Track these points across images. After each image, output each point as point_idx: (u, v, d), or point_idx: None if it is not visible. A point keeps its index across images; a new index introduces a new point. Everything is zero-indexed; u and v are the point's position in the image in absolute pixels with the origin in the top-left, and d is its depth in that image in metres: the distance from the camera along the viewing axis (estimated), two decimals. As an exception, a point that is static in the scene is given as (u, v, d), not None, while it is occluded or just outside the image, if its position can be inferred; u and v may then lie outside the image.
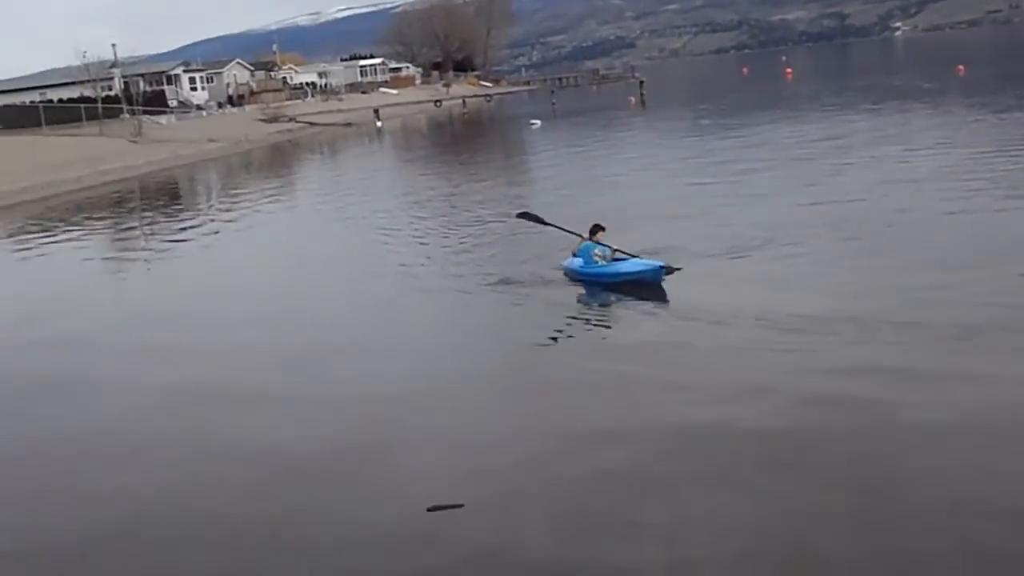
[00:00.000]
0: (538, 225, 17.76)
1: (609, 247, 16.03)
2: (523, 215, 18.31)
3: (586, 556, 7.47)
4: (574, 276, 16.19)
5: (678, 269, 15.30)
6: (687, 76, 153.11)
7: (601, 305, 15.13)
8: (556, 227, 17.15)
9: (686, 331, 12.82)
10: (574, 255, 16.27)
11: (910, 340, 11.34)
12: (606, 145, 44.50)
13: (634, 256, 15.75)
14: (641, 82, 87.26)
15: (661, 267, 15.04)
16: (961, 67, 67.71)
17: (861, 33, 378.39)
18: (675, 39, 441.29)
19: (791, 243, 17.15)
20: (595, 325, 14.52)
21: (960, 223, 17.76)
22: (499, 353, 13.12)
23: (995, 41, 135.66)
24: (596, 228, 16.41)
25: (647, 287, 14.82)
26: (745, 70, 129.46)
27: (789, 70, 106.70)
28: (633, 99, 77.29)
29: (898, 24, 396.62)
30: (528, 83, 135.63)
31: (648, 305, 14.31)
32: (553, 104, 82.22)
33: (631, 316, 14.30)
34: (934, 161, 25.78)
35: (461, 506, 8.39)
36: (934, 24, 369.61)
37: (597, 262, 15.91)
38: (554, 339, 13.44)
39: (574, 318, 14.66)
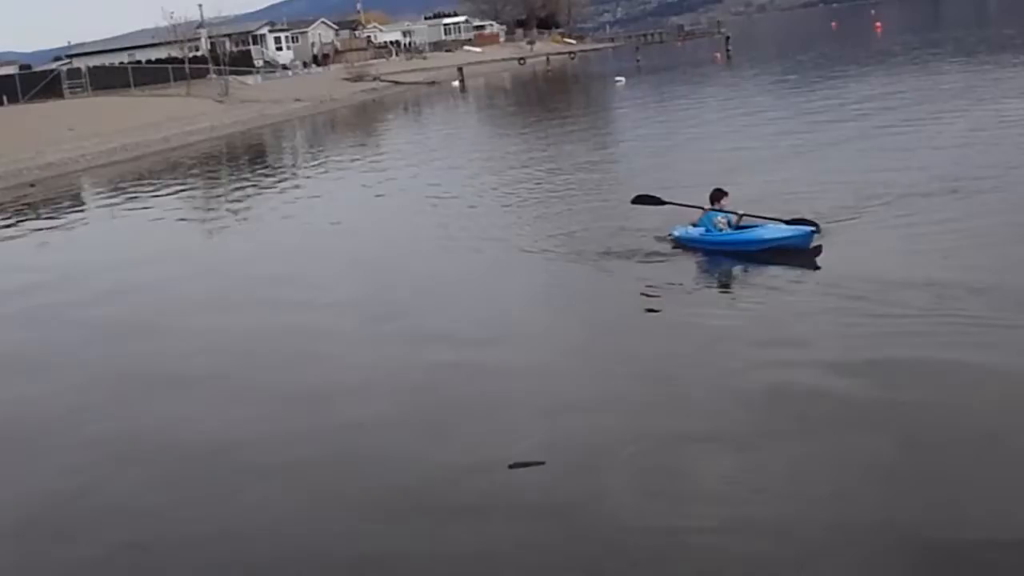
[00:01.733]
0: (653, 206, 15.93)
1: (735, 213, 14.65)
2: (639, 199, 16.10)
3: (665, 515, 7.42)
4: (694, 244, 14.73)
5: (815, 228, 13.69)
6: (774, 31, 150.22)
7: (726, 273, 13.96)
8: (675, 204, 15.39)
9: (822, 298, 12.00)
10: (694, 226, 14.87)
11: None
12: (691, 102, 43.90)
13: (768, 220, 14.27)
14: (727, 38, 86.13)
15: (812, 232, 13.46)
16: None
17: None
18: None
19: (906, 203, 16.12)
20: (712, 293, 13.60)
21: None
22: (598, 319, 12.72)
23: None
24: (718, 193, 14.86)
25: (789, 254, 13.42)
26: (834, 25, 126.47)
27: (879, 24, 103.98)
28: (719, 55, 76.16)
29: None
30: (612, 40, 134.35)
31: (789, 272, 13.08)
32: (637, 61, 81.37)
33: (762, 284, 13.08)
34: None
35: (542, 463, 8.38)
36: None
37: (721, 231, 14.52)
38: (655, 307, 12.84)
39: (680, 286, 13.65)
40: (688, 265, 14.45)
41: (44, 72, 69.35)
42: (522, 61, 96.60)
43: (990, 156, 19.60)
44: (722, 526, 7.15)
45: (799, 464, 7.96)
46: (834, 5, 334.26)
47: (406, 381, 10.95)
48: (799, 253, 13.38)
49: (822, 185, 18.56)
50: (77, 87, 64.90)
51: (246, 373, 12.05)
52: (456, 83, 78.76)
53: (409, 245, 18.41)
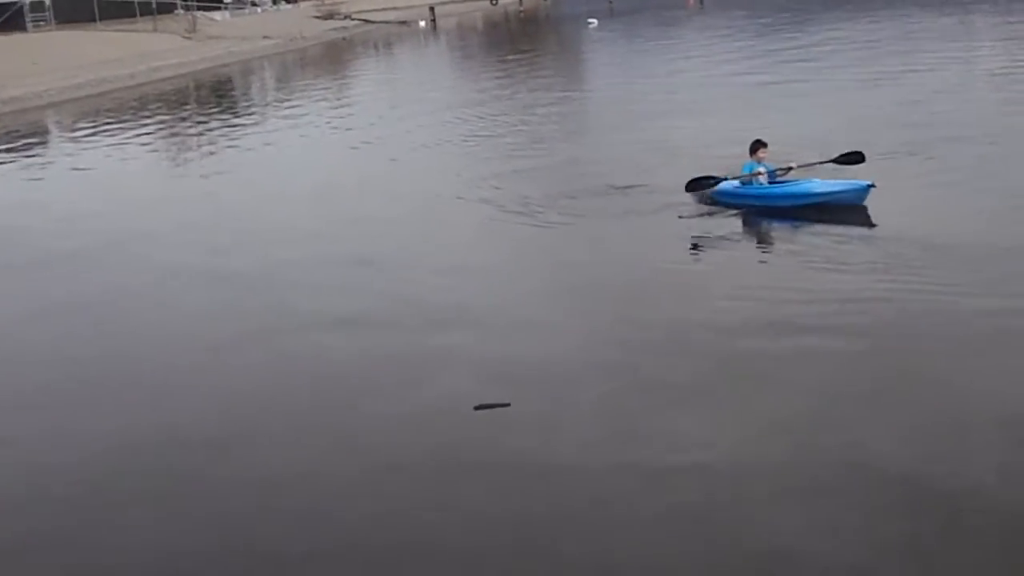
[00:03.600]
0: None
1: (784, 167, 13.57)
2: (692, 185, 13.97)
3: (626, 454, 7.42)
4: (728, 200, 13.53)
5: (872, 186, 12.45)
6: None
7: (757, 231, 13.13)
8: (727, 177, 13.78)
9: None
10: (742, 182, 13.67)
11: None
12: (665, 46, 43.64)
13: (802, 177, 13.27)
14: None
15: (869, 186, 12.34)
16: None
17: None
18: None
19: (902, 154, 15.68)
20: (739, 253, 12.52)
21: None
22: (592, 274, 12.23)
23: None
24: (757, 144, 13.71)
25: (839, 210, 12.50)
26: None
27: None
28: (692, -1, 75.58)
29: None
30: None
31: (838, 230, 12.21)
32: (610, 3, 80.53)
33: (802, 243, 12.26)
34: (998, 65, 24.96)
35: (507, 405, 8.34)
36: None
37: (763, 183, 13.44)
38: (670, 261, 12.17)
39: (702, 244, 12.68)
40: (713, 222, 13.38)
41: (6, 4, 67.67)
42: (494, 2, 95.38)
43: (974, 110, 19.51)
44: (679, 469, 7.16)
45: (755, 413, 7.99)
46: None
47: (370, 324, 10.84)
48: (852, 210, 12.45)
49: (801, 132, 18.26)
50: (41, 20, 63.43)
51: (200, 322, 11.91)
52: (423, 23, 77.58)
53: (392, 195, 17.53)
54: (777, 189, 13.29)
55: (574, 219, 14.21)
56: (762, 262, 12.22)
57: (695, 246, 12.65)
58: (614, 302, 10.90)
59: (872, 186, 12.40)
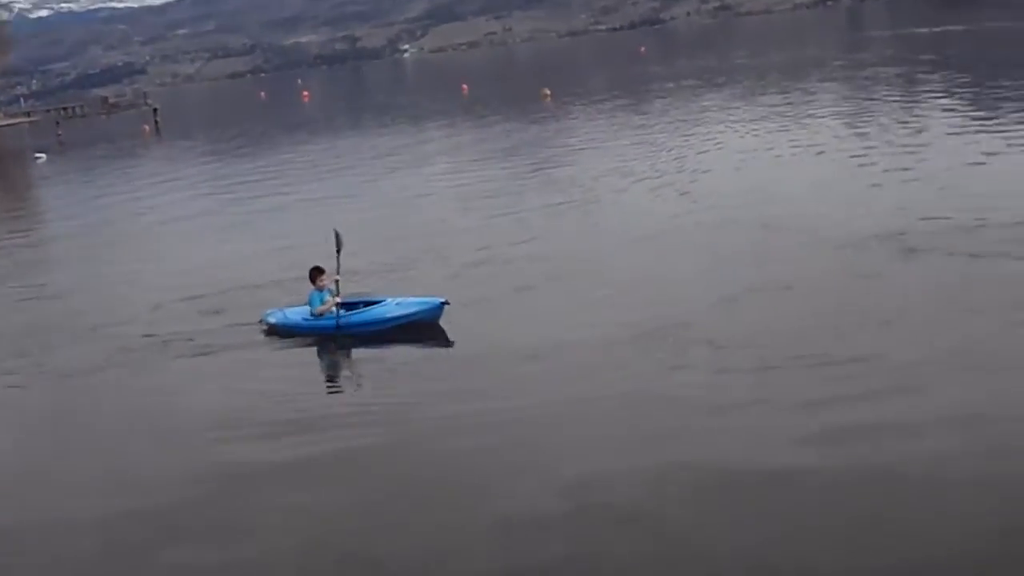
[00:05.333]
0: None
1: (334, 294, 12.97)
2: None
3: None
4: (296, 330, 12.96)
5: (445, 303, 12.57)
6: (204, 102, 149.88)
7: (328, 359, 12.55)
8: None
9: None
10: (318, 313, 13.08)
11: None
12: (125, 177, 41.95)
13: (376, 300, 12.99)
14: (155, 109, 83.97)
15: (443, 303, 12.47)
16: (465, 87, 71.62)
17: (373, 55, 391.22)
18: (188, 64, 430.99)
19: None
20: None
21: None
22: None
23: (492, 62, 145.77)
24: (316, 272, 13.19)
25: (417, 329, 12.40)
26: (263, 94, 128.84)
27: (306, 92, 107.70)
28: (147, 127, 74.09)
29: (406, 46, 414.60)
30: (29, 114, 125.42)
31: (412, 350, 12.09)
32: (59, 135, 76.75)
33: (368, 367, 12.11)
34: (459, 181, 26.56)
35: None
36: (439, 46, 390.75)
37: (333, 312, 12.83)
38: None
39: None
40: (275, 354, 12.62)
41: None
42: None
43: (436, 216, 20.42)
44: None
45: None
46: (261, 75, 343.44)
47: None
48: (428, 327, 12.43)
49: (272, 253, 18.15)
50: None
51: None
52: None
53: None
54: (352, 317, 12.84)
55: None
56: (306, 388, 11.62)
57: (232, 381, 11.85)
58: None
59: (446, 303, 12.48)
